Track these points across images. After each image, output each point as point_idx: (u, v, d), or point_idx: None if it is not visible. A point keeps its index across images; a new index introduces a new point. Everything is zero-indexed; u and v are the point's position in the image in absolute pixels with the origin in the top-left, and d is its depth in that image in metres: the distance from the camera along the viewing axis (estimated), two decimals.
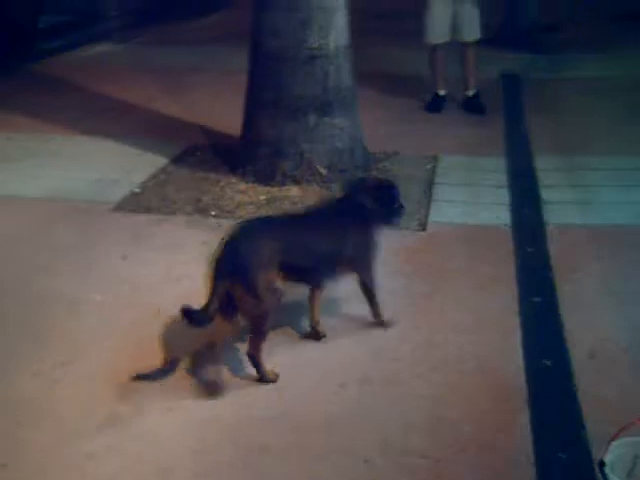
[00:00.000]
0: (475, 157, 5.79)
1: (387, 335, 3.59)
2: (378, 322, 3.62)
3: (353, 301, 3.74)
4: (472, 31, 6.71)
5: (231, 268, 2.99)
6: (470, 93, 7.00)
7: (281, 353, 3.41)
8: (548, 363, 3.34)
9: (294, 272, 3.17)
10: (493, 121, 6.59)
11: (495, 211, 4.82)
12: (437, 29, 6.67)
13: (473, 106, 6.93)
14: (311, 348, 3.51)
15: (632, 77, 7.77)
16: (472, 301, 3.85)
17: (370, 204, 3.42)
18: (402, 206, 3.63)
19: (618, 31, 9.99)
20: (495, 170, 5.50)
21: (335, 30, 5.07)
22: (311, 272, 3.31)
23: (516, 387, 3.17)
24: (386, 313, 3.65)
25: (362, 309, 3.64)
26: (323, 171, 5.12)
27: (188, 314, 3.00)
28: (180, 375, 3.30)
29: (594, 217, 4.73)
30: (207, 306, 2.99)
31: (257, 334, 3.13)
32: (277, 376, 3.22)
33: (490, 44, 9.33)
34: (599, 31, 10.08)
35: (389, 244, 4.31)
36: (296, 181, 5.10)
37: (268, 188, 5.09)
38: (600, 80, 7.74)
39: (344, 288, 3.68)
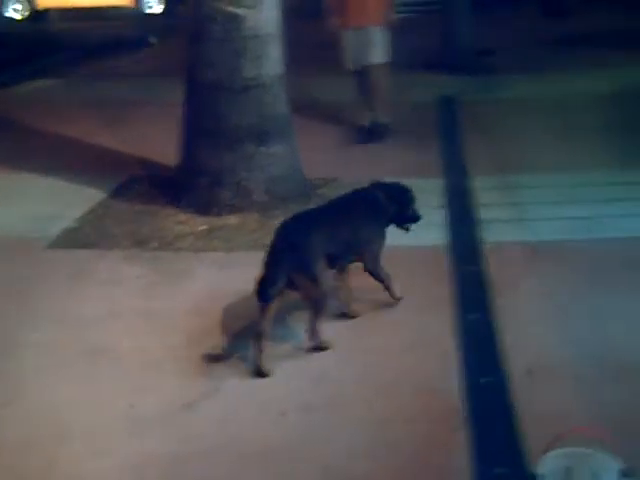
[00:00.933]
0: (412, 179, 5.60)
1: (327, 360, 3.58)
2: (394, 300, 3.94)
3: (293, 327, 3.74)
4: (377, 55, 6.71)
5: (293, 260, 3.40)
6: (372, 120, 6.93)
7: (222, 380, 3.40)
8: (486, 381, 3.36)
9: (330, 259, 3.57)
10: (430, 143, 6.67)
11: (433, 231, 4.84)
12: (348, 54, 6.71)
13: (370, 133, 6.85)
14: (251, 377, 3.48)
15: (563, 97, 7.98)
16: (411, 322, 3.87)
17: (383, 199, 3.82)
18: (417, 214, 4.00)
19: (549, 55, 10.26)
20: (432, 191, 5.53)
21: (269, 60, 5.10)
22: (340, 258, 3.69)
23: (455, 406, 3.19)
24: (324, 338, 3.65)
25: (301, 335, 3.62)
26: (261, 199, 5.10)
27: (263, 287, 3.35)
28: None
29: (529, 234, 4.79)
30: (269, 287, 3.37)
31: (318, 314, 3.55)
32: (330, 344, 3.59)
33: (428, 68, 9.66)
34: (531, 55, 10.35)
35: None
36: (235, 210, 5.10)
37: (207, 218, 5.07)
38: (533, 100, 7.93)
39: (282, 313, 3.67)
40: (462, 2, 9.91)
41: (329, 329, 3.70)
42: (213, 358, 3.60)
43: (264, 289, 3.40)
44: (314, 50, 11.24)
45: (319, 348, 3.62)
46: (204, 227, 4.98)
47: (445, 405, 3.20)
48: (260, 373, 3.45)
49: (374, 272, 3.88)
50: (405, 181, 5.58)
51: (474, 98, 8.17)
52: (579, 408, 3.14)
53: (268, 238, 4.72)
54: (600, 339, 3.62)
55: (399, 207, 3.91)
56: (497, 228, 4.89)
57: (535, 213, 5.10)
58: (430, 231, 4.83)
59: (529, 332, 3.71)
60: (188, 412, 3.23)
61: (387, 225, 3.92)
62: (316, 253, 3.48)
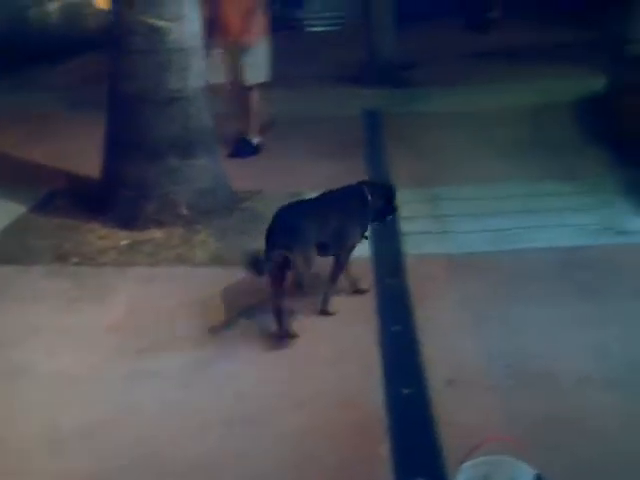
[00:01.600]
0: None
1: (249, 375, 3.58)
2: (323, 309, 4.06)
3: (214, 343, 3.75)
4: (251, 75, 6.63)
5: (289, 240, 3.71)
6: (243, 136, 6.89)
7: (143, 396, 3.37)
8: (407, 392, 3.41)
9: (320, 247, 3.88)
10: (355, 156, 6.70)
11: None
12: (225, 72, 6.66)
13: (238, 149, 6.79)
14: (174, 391, 3.45)
15: (484, 110, 8.13)
16: (334, 335, 3.89)
17: (369, 194, 4.14)
18: (395, 207, 4.33)
19: (471, 68, 10.47)
20: None
21: (193, 72, 5.08)
22: (328, 247, 3.98)
23: (377, 418, 3.22)
24: (245, 353, 3.67)
25: (222, 351, 3.63)
26: (186, 212, 5.07)
27: (254, 261, 3.63)
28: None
29: (450, 246, 4.87)
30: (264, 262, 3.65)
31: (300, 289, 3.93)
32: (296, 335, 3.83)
33: (352, 82, 9.72)
34: (454, 68, 10.51)
35: (249, 282, 4.31)
36: (159, 224, 5.04)
37: (131, 232, 5.01)
38: (455, 114, 8.04)
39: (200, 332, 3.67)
40: (385, 15, 9.98)
41: (250, 345, 3.71)
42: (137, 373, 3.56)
43: (258, 264, 3.66)
44: None
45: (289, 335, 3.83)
46: (127, 241, 4.92)
47: (368, 417, 3.23)
48: (290, 335, 3.78)
49: (342, 263, 4.14)
50: None
51: (397, 111, 8.24)
52: (496, 417, 3.20)
53: (192, 252, 4.80)
54: (515, 348, 3.70)
55: (384, 203, 4.26)
56: (419, 241, 4.95)
57: (456, 225, 5.17)
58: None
59: (449, 343, 3.77)
60: (108, 428, 3.19)
61: (371, 220, 4.25)
62: (308, 236, 3.79)
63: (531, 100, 8.40)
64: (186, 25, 4.97)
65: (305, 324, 3.97)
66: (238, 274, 4.48)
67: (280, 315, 3.83)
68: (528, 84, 9.19)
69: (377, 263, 4.68)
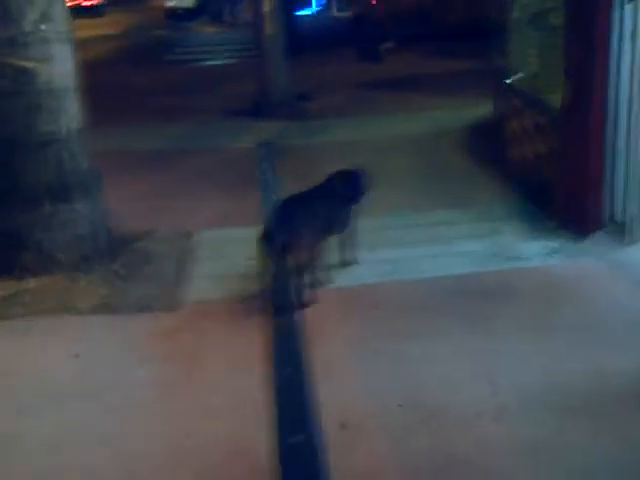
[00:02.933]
0: (232, 229, 5.74)
1: (132, 432, 3.36)
2: (299, 303, 4.40)
3: (99, 397, 3.52)
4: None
5: (288, 229, 4.28)
6: None
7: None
8: (299, 439, 3.26)
9: (314, 234, 4.43)
10: (249, 191, 6.61)
11: (247, 282, 4.74)
12: None
13: None
14: (45, 457, 3.19)
15: (379, 140, 8.17)
16: (226, 382, 3.72)
17: (339, 188, 4.62)
18: (364, 190, 4.69)
19: (365, 99, 10.55)
20: (248, 241, 5.34)
21: (67, 114, 4.82)
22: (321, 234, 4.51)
23: (269, 467, 3.08)
24: (133, 406, 3.48)
25: (98, 409, 3.42)
26: (64, 260, 4.81)
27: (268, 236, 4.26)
28: None
29: (343, 279, 4.78)
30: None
31: (302, 277, 4.42)
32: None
33: (248, 115, 9.66)
34: (347, 99, 10.59)
35: (139, 328, 4.25)
36: (36, 273, 4.75)
37: (5, 283, 4.71)
38: (350, 144, 8.03)
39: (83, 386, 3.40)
40: (277, 48, 9.95)
41: (140, 397, 3.52)
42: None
43: (268, 243, 4.26)
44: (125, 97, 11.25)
45: (303, 305, 4.37)
46: (1, 293, 4.61)
47: (260, 467, 3.08)
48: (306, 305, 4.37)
49: (310, 259, 4.44)
50: (223, 231, 5.71)
51: (291, 143, 8.22)
52: (393, 461, 3.10)
53: (72, 301, 4.54)
54: (408, 386, 3.60)
55: (352, 190, 4.65)
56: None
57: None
58: (247, 282, 4.74)
59: (342, 384, 3.64)
60: None
61: (349, 205, 4.70)
62: (304, 225, 4.35)
63: (423, 128, 8.55)
64: (56, 66, 4.73)
65: (198, 373, 3.81)
66: (124, 321, 4.37)
67: (299, 284, 4.39)
68: (420, 112, 9.38)
69: (268, 299, 4.51)
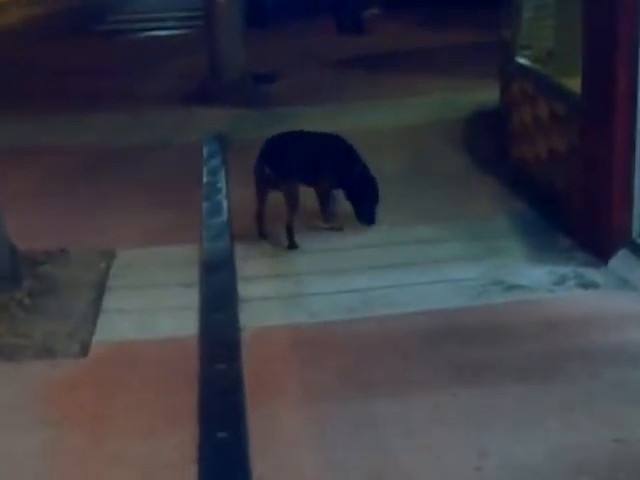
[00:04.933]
0: (162, 248, 5.75)
1: None
2: (290, 244, 5.64)
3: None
4: None
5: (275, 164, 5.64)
6: None
7: None
8: None
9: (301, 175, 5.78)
10: (189, 200, 6.57)
11: (180, 318, 4.75)
12: None
13: None
14: None
15: (353, 133, 7.99)
16: (140, 451, 3.63)
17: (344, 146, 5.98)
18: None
19: (340, 80, 10.53)
20: (185, 263, 5.47)
21: None
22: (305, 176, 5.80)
23: None
24: None
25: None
26: None
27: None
28: None
29: (299, 314, 4.75)
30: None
31: (291, 214, 5.65)
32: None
33: (196, 100, 9.56)
34: (321, 80, 10.57)
35: (35, 380, 4.22)
36: None
37: None
38: None
39: None
40: (231, 16, 9.76)
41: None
42: None
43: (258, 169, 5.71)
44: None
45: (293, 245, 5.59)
46: None
47: None
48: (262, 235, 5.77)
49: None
50: (153, 251, 5.69)
51: (249, 136, 8.01)
52: None
53: None
54: (378, 459, 3.50)
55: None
56: (261, 309, 4.86)
57: (307, 286, 5.11)
58: (178, 318, 4.75)
59: (287, 455, 3.56)
60: None
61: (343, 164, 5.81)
62: (293, 165, 5.62)
63: (411, 119, 8.55)
64: None
65: (106, 440, 3.72)
66: (17, 370, 4.32)
67: (260, 220, 5.75)
68: (408, 98, 9.36)
69: (206, 343, 4.49)
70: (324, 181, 5.79)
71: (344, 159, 5.82)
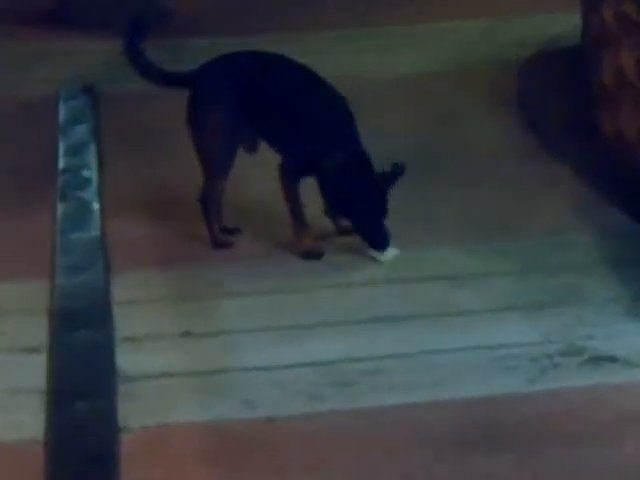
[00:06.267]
0: None
1: None
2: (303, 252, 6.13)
3: None
4: None
5: None
6: None
7: None
8: None
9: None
10: (32, 202, 6.80)
11: (27, 409, 4.90)
12: None
13: None
14: None
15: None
16: None
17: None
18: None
19: None
20: (28, 310, 5.63)
21: None
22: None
23: None
24: None
25: None
26: None
27: None
28: None
29: (225, 404, 4.86)
30: None
31: None
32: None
33: (47, 24, 9.68)
34: None
35: None
36: None
37: None
38: None
39: None
40: None
41: None
42: None
43: None
44: None
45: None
46: None
47: None
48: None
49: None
50: None
51: (131, 89, 8.09)
52: None
53: None
54: None
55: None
56: (162, 392, 5.01)
57: (240, 355, 5.26)
58: (23, 410, 4.91)
59: None
60: None
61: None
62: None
63: (432, 62, 8.75)
64: None
65: None
66: None
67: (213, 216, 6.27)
68: (427, 24, 9.56)
69: (58, 453, 4.52)
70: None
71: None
